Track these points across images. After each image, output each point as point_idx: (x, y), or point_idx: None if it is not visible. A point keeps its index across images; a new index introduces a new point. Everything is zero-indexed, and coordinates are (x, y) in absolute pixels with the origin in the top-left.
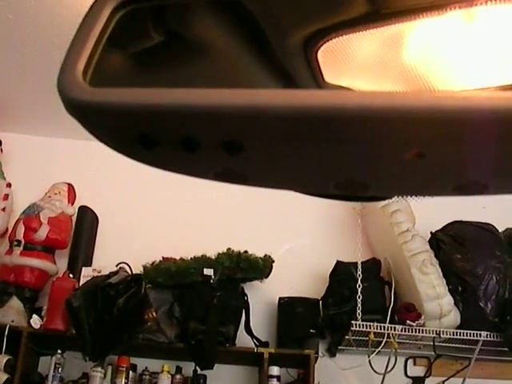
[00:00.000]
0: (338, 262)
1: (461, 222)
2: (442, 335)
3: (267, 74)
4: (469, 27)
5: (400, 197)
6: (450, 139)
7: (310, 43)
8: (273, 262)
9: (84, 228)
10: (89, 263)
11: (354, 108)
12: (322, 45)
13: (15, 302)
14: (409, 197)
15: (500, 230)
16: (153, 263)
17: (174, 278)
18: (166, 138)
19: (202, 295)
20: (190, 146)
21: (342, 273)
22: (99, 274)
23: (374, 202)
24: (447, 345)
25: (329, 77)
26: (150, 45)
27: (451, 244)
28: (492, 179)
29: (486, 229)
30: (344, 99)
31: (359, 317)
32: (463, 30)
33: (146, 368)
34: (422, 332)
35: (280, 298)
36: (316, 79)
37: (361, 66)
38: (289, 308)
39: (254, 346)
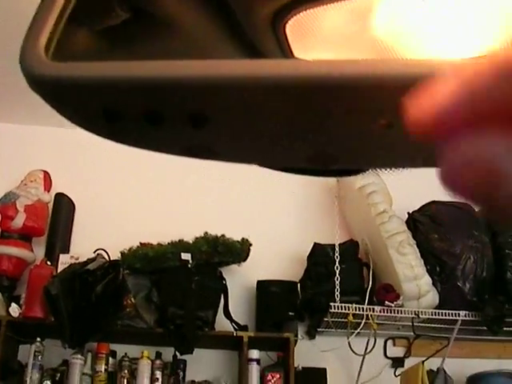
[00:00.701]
0: (315, 244)
1: (438, 202)
2: (420, 315)
3: (235, 49)
4: None
5: (373, 169)
6: None
7: (278, 17)
8: (250, 245)
9: (61, 215)
10: (66, 250)
11: (320, 76)
12: (289, 18)
13: None
14: (382, 169)
15: (477, 210)
16: (130, 249)
17: (152, 263)
18: (129, 112)
19: (180, 280)
20: (154, 120)
21: (319, 255)
22: (77, 261)
23: (347, 176)
24: (426, 325)
25: (298, 51)
26: (115, 22)
27: (428, 224)
28: None
29: (462, 209)
30: (309, 68)
31: (337, 298)
32: None
33: (126, 354)
34: (401, 313)
35: (258, 282)
36: (285, 53)
37: (329, 39)
38: (267, 291)
39: (233, 329)
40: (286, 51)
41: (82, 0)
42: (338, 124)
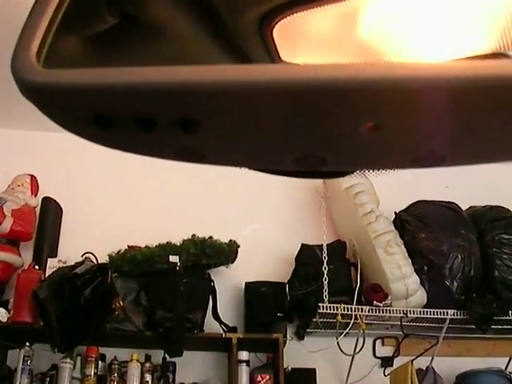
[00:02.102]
0: (303, 244)
1: (424, 201)
2: (409, 315)
3: (223, 54)
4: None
5: (360, 171)
6: (404, 110)
7: (265, 21)
8: (238, 246)
9: (48, 219)
10: (54, 254)
11: (307, 81)
12: (276, 23)
13: None
14: (369, 171)
15: (463, 209)
16: (118, 252)
17: (140, 266)
18: (120, 118)
19: (169, 282)
20: (145, 126)
21: (307, 255)
22: (65, 265)
23: (334, 177)
24: (414, 324)
25: (285, 55)
26: (104, 27)
27: (415, 224)
28: (448, 150)
29: (449, 207)
30: (297, 72)
31: (326, 299)
32: (417, 2)
33: (115, 357)
34: (389, 312)
35: (246, 283)
36: (272, 58)
37: (317, 43)
38: (255, 292)
39: (222, 331)
40: (273, 55)
41: (71, 6)
42: (326, 127)
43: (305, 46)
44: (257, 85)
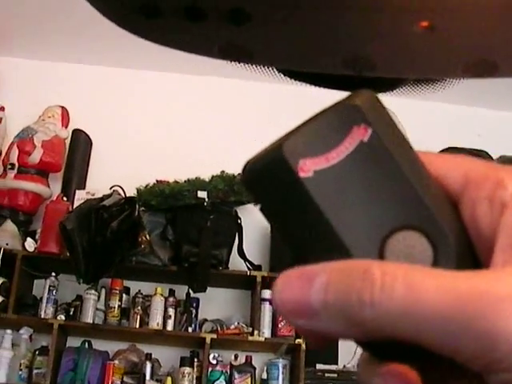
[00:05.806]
0: None
1: (455, 148)
2: None
3: None
4: None
5: (409, 77)
6: (459, 11)
7: None
8: None
9: (78, 151)
10: (82, 186)
11: None
12: None
13: (9, 226)
14: (417, 81)
15: (494, 158)
16: (146, 186)
17: (168, 200)
18: (170, 7)
19: (196, 218)
20: (195, 15)
21: None
22: (93, 197)
23: (381, 91)
24: None
25: None
26: None
27: None
28: (501, 57)
29: (479, 156)
30: None
31: None
32: None
33: (139, 291)
34: None
35: None
36: None
37: None
38: None
39: (246, 269)
40: None
41: None
42: (380, 24)
43: None
44: None
